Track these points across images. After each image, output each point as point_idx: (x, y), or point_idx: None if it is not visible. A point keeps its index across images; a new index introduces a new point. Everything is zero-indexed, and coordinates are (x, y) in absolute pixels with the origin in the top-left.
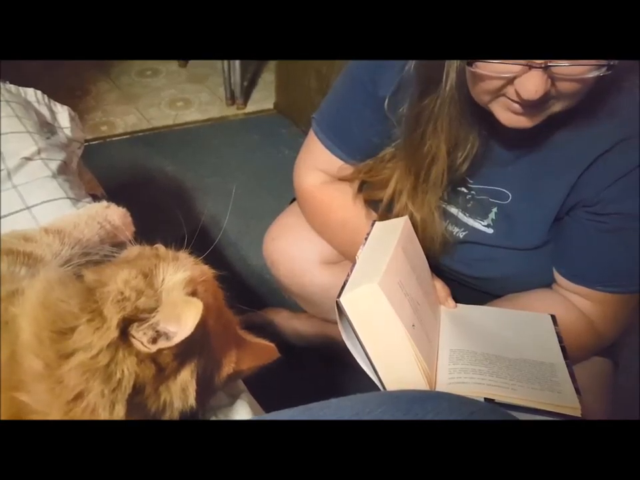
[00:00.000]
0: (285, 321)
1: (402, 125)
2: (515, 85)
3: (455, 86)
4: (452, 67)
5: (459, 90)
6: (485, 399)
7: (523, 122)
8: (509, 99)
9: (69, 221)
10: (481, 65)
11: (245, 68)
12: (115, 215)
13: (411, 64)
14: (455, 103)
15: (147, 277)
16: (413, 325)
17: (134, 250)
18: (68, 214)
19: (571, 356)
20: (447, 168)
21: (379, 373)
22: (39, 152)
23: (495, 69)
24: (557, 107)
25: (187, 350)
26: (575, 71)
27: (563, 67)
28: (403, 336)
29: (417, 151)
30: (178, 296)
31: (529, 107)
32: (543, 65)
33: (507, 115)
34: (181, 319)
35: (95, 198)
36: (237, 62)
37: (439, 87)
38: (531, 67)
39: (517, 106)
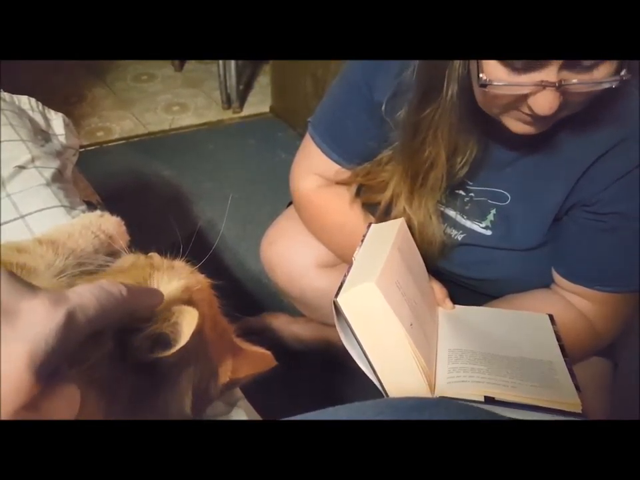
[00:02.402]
0: (284, 325)
1: (400, 131)
2: (528, 102)
3: (456, 94)
4: (453, 76)
5: (460, 98)
6: (485, 397)
7: (533, 130)
8: (521, 111)
9: (62, 231)
10: (493, 85)
11: (241, 71)
12: (108, 224)
13: (409, 71)
14: (455, 111)
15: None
16: (411, 324)
17: (128, 259)
18: (62, 224)
19: (569, 356)
20: (446, 173)
21: (378, 373)
22: (32, 160)
23: (507, 89)
24: (565, 113)
25: (183, 359)
26: (587, 87)
27: (576, 85)
28: (401, 334)
29: (415, 157)
30: (174, 305)
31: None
32: (556, 84)
33: (518, 125)
34: (177, 327)
35: (90, 205)
36: (233, 66)
37: (439, 96)
38: (545, 87)
39: (529, 118)
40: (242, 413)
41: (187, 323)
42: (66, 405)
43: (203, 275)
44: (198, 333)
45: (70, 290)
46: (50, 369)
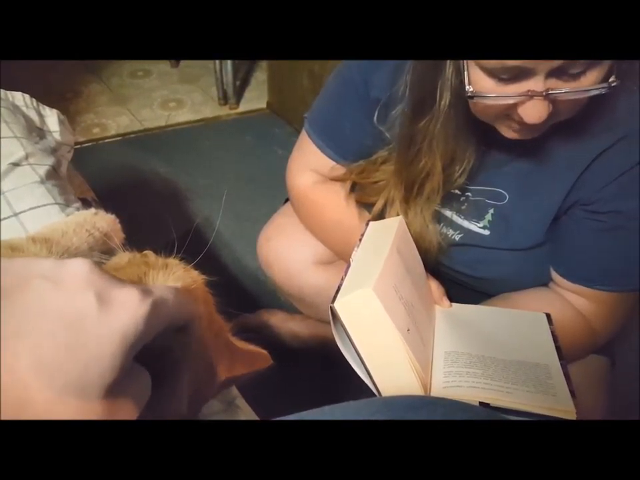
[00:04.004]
0: (281, 322)
1: (395, 141)
2: (518, 111)
3: (449, 104)
4: (445, 86)
5: (454, 107)
6: (479, 402)
7: (526, 136)
8: (513, 119)
9: (56, 229)
10: (480, 97)
11: (237, 68)
12: (103, 222)
13: (402, 83)
14: (450, 121)
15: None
16: (408, 329)
17: (124, 257)
18: (56, 222)
19: (567, 355)
20: (443, 182)
21: (374, 378)
22: (26, 157)
23: (494, 100)
24: (558, 119)
25: (179, 359)
26: (575, 95)
27: (564, 93)
28: (398, 341)
29: (410, 167)
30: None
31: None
32: (543, 94)
33: (510, 131)
34: None
35: (85, 202)
36: (229, 62)
37: (433, 107)
38: (532, 97)
39: (520, 126)
40: (238, 411)
41: None
42: (141, 388)
43: (197, 272)
44: (195, 337)
45: (152, 285)
46: (135, 353)
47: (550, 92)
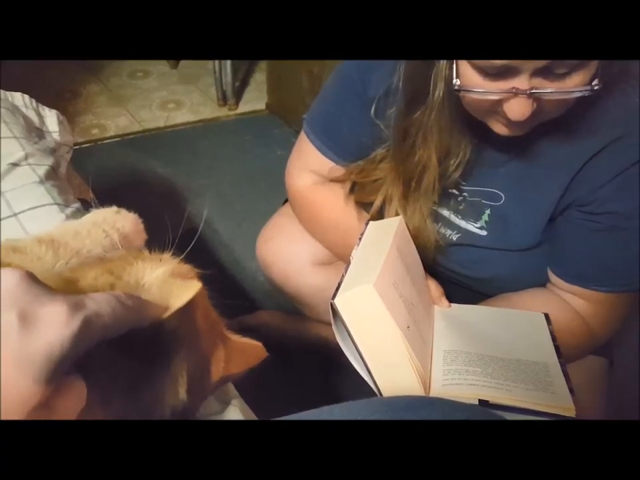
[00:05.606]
0: (280, 323)
1: (391, 135)
2: (503, 107)
3: (443, 95)
4: (440, 76)
5: (448, 99)
6: (479, 400)
7: (515, 132)
8: (500, 115)
9: (68, 229)
10: (466, 91)
11: (237, 68)
12: (125, 222)
13: (399, 75)
14: (444, 112)
15: (113, 273)
16: (408, 327)
17: (120, 252)
18: (70, 222)
19: (565, 355)
20: (439, 176)
21: (373, 375)
22: (26, 157)
23: (480, 95)
24: (544, 117)
25: (175, 343)
26: (559, 95)
27: (547, 92)
28: (398, 337)
29: (407, 160)
30: (174, 282)
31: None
32: (527, 92)
33: (500, 127)
34: (175, 295)
35: (85, 203)
36: (228, 62)
37: (426, 99)
38: (516, 94)
39: (507, 121)
40: (237, 411)
41: (188, 290)
42: (74, 400)
43: (189, 266)
44: (189, 320)
45: (88, 297)
46: (62, 373)
47: (534, 91)
